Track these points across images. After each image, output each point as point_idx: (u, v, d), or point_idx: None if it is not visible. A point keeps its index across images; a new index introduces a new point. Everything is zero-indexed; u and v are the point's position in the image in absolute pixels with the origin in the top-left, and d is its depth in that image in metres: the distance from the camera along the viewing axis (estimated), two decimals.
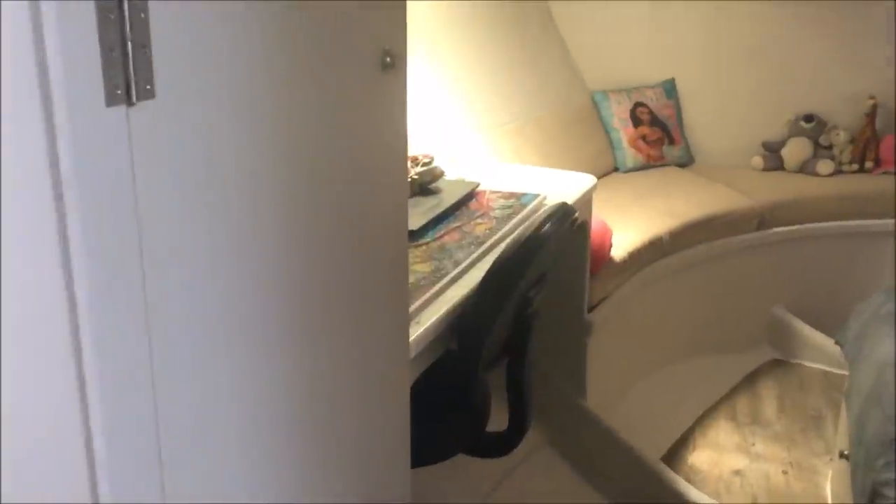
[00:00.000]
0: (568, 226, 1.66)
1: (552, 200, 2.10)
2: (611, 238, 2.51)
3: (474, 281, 1.55)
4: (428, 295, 1.47)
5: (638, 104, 3.63)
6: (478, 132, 3.01)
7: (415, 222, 1.80)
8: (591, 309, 2.48)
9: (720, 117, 3.70)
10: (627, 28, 3.68)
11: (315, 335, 1.05)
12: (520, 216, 1.92)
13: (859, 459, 1.77)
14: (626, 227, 2.80)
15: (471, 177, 2.29)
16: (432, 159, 2.46)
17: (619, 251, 2.62)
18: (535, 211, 2.00)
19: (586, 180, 2.30)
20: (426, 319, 1.41)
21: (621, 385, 2.75)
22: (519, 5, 3.56)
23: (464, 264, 1.62)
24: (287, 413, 1.02)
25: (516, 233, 1.83)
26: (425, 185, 2.04)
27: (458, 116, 3.01)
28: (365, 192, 1.13)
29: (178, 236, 0.81)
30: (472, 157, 2.72)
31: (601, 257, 2.44)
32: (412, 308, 1.41)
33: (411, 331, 1.35)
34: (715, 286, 3.10)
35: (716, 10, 3.58)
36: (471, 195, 2.07)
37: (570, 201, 2.11)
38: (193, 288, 0.84)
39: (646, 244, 2.75)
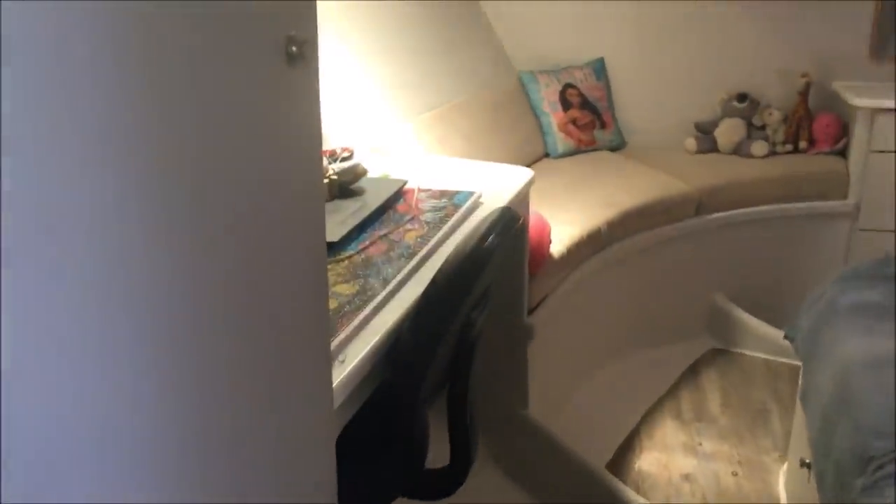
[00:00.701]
0: (513, 234, 1.46)
1: (487, 198, 1.90)
2: (549, 234, 2.33)
3: (408, 301, 1.33)
4: (355, 323, 1.25)
5: (567, 86, 3.45)
6: (400, 120, 2.78)
7: (335, 232, 1.57)
8: (530, 311, 2.30)
9: (651, 98, 3.56)
10: (554, 4, 3.49)
11: (207, 383, 0.82)
12: (454, 219, 1.71)
13: (827, 475, 1.63)
14: (563, 219, 2.62)
15: (396, 171, 2.07)
16: (352, 152, 2.23)
17: (557, 247, 2.44)
18: (470, 211, 1.80)
19: (522, 174, 2.10)
20: (353, 356, 1.19)
21: (564, 388, 2.58)
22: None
23: (394, 282, 1.40)
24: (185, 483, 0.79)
25: (452, 239, 1.63)
26: (346, 186, 1.81)
27: (377, 104, 2.77)
28: (271, 202, 0.90)
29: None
30: (395, 147, 2.50)
31: (540, 256, 2.26)
32: (335, 343, 1.19)
33: (335, 373, 1.13)
34: (654, 276, 2.96)
35: None
36: (398, 195, 1.85)
37: (506, 198, 1.92)
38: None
39: (584, 237, 2.58)
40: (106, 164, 0.69)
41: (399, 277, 1.42)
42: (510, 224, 1.42)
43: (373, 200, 1.77)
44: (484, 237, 1.32)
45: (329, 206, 1.73)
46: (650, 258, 2.91)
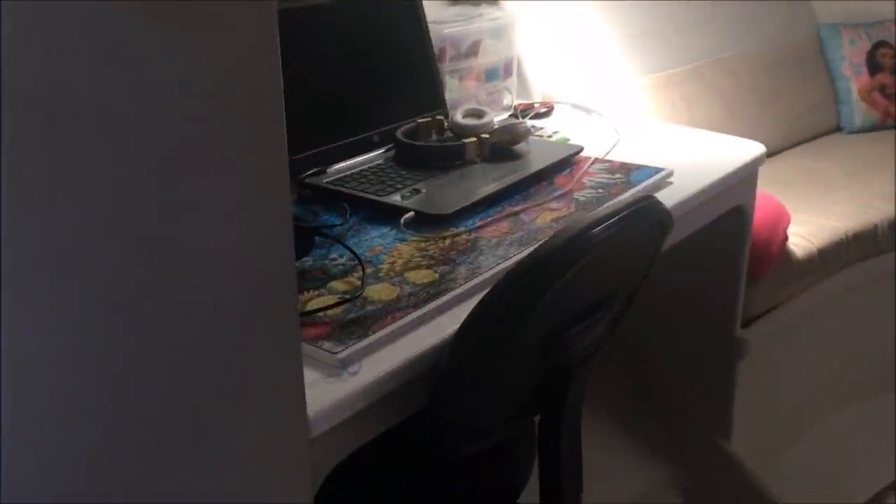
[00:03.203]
0: (652, 232, 1.09)
1: (684, 178, 1.50)
2: (786, 228, 1.83)
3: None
4: (397, 325, 0.99)
5: (880, 44, 2.76)
6: (640, 75, 2.38)
7: (449, 203, 1.30)
8: (746, 323, 1.84)
9: None
10: None
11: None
12: (615, 201, 1.35)
13: None
14: (823, 210, 2.09)
15: (603, 135, 1.72)
16: (552, 108, 1.92)
17: (802, 245, 1.93)
18: (646, 193, 1.42)
19: (749, 149, 1.65)
20: (373, 367, 0.94)
21: (785, 427, 2.05)
22: None
23: (482, 276, 1.11)
24: None
25: (601, 228, 1.27)
26: (501, 147, 1.52)
27: (618, 53, 2.39)
28: None
29: None
30: (614, 105, 2.12)
31: (768, 255, 1.79)
32: (358, 346, 0.94)
33: (330, 388, 0.89)
34: None
35: None
36: (565, 164, 1.52)
37: (709, 180, 1.50)
38: None
39: (848, 237, 2.02)
40: None
41: (493, 271, 1.12)
42: (643, 217, 1.05)
43: (527, 168, 1.46)
44: (589, 227, 0.98)
45: (469, 170, 1.46)
46: None
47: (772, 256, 1.79)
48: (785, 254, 1.87)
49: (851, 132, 2.73)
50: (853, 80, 2.73)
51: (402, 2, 1.64)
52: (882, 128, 2.71)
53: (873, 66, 2.73)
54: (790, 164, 2.46)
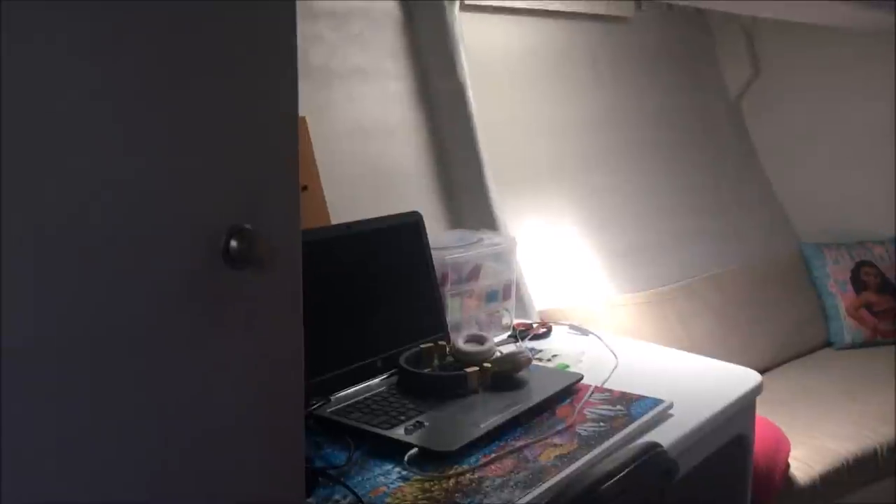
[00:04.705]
0: (658, 480, 1.09)
1: (683, 410, 1.50)
2: (787, 455, 1.83)
3: None
4: None
5: (863, 263, 2.87)
6: (633, 289, 2.45)
7: (455, 439, 1.30)
8: None
9: None
10: (847, 162, 2.97)
11: None
12: (618, 436, 1.35)
13: None
14: (822, 432, 2.08)
15: (601, 359, 1.75)
16: (550, 328, 1.96)
17: (803, 470, 1.91)
18: (647, 427, 1.42)
19: (746, 379, 1.67)
20: None
21: None
22: (709, 127, 3.01)
23: None
24: None
25: (609, 484, 1.26)
26: (504, 377, 1.54)
27: (608, 270, 2.48)
28: None
29: None
30: (606, 324, 2.16)
31: (771, 483, 1.76)
32: None
33: None
34: None
35: None
36: (566, 394, 1.53)
37: (716, 409, 1.51)
38: None
39: (849, 461, 2.01)
40: None
41: None
42: (652, 469, 1.05)
43: (529, 398, 1.47)
44: (598, 482, 0.97)
45: (472, 400, 1.47)
46: None
47: (775, 485, 1.77)
48: (787, 481, 1.84)
49: (842, 348, 2.77)
50: (840, 297, 2.82)
51: (406, 230, 1.71)
52: (872, 344, 2.77)
53: (858, 284, 2.83)
54: (784, 381, 2.48)
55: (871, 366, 2.59)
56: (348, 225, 1.61)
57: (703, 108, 3.02)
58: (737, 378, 1.68)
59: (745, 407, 1.64)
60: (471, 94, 2.20)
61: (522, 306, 2.12)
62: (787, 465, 1.84)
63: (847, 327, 2.77)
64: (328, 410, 1.40)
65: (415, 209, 1.74)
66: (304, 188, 1.80)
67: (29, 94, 0.55)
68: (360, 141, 2.05)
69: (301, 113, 1.84)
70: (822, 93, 2.97)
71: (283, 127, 0.73)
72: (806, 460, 1.95)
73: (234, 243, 0.66)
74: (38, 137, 0.55)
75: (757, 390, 1.66)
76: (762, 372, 1.67)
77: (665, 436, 1.39)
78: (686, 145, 2.88)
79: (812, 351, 2.76)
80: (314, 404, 1.41)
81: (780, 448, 1.81)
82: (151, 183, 0.62)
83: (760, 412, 1.73)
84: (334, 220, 1.83)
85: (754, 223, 2.98)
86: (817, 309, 2.83)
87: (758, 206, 3.03)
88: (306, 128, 1.85)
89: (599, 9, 2.61)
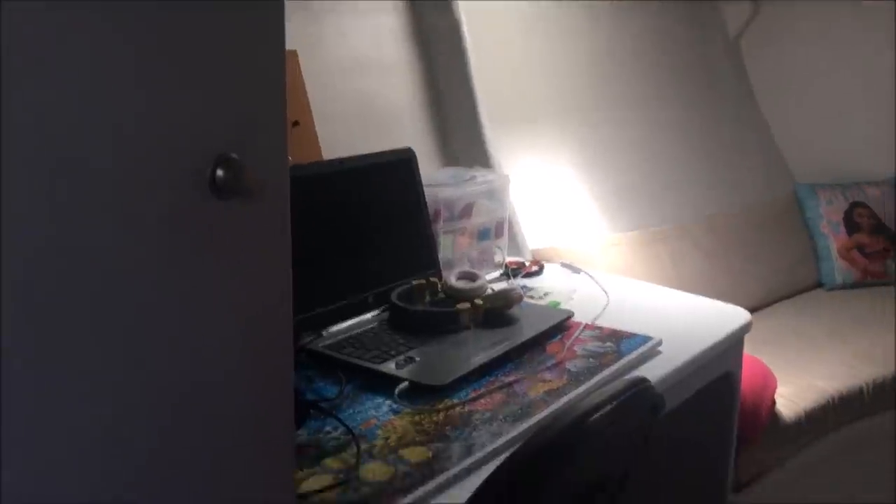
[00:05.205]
0: (644, 415, 1.10)
1: (672, 347, 1.52)
2: (773, 392, 1.85)
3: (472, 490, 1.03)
4: None
5: (856, 204, 2.88)
6: (626, 229, 2.46)
7: (445, 373, 1.31)
8: (740, 487, 1.83)
9: None
10: (845, 104, 2.95)
11: None
12: (607, 372, 1.37)
13: None
14: (810, 371, 2.11)
15: (592, 296, 1.76)
16: (542, 267, 1.96)
17: (789, 407, 1.94)
18: (636, 363, 1.44)
19: (735, 317, 1.68)
20: None
21: None
22: (710, 71, 2.98)
23: (476, 455, 1.11)
24: None
25: (596, 416, 1.28)
26: (495, 313, 1.55)
27: (602, 210, 2.48)
28: None
29: None
30: (601, 263, 2.17)
31: (757, 420, 1.80)
32: None
33: None
34: None
35: None
36: (557, 330, 1.55)
37: (698, 349, 1.52)
38: None
39: (835, 400, 2.04)
40: None
41: (486, 450, 1.12)
42: (638, 403, 1.06)
43: (519, 335, 1.48)
44: (585, 414, 0.99)
45: (463, 336, 1.48)
46: None
47: (761, 421, 1.80)
48: (773, 418, 1.88)
49: (832, 289, 2.79)
50: (832, 238, 2.82)
51: (399, 167, 1.71)
52: (862, 285, 2.79)
53: (851, 225, 2.83)
54: (774, 321, 2.50)
55: (861, 306, 2.61)
56: (341, 161, 1.60)
57: (701, 48, 2.99)
58: (726, 316, 1.69)
59: (733, 344, 1.66)
60: (466, 30, 2.16)
61: (515, 244, 2.12)
62: (774, 402, 1.87)
63: (838, 268, 2.79)
64: (320, 345, 1.41)
65: (408, 146, 1.73)
66: (296, 123, 1.79)
67: (10, 23, 0.53)
68: (352, 77, 2.03)
69: (292, 46, 1.82)
70: (821, 33, 2.93)
71: (270, 57, 0.72)
72: (792, 397, 1.98)
73: (220, 172, 0.66)
74: (19, 65, 0.54)
75: (746, 328, 1.67)
76: (752, 311, 1.68)
77: (653, 372, 1.41)
78: (684, 86, 2.85)
79: (803, 291, 2.78)
80: (307, 339, 1.42)
81: (768, 385, 1.84)
82: (136, 111, 0.62)
83: (749, 351, 1.75)
84: (326, 157, 1.82)
85: (750, 164, 2.97)
86: (809, 250, 2.84)
87: (755, 148, 3.02)
88: (297, 62, 1.83)
89: None
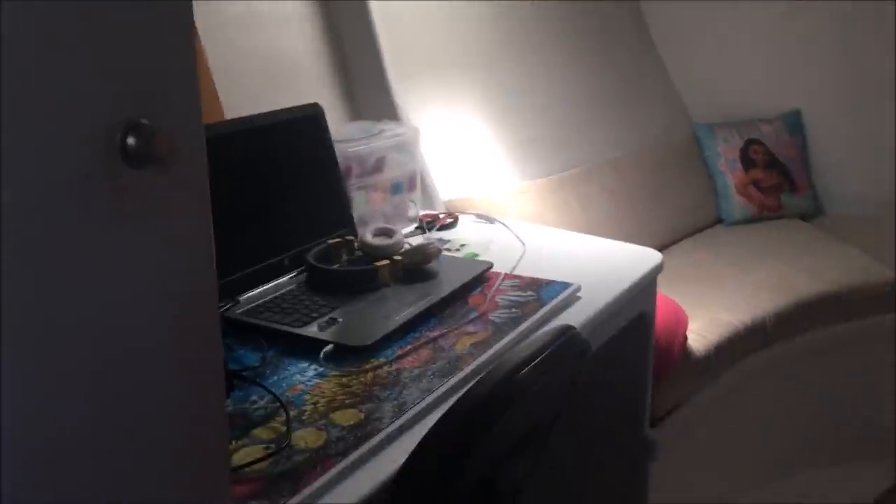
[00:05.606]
0: (573, 362, 1.12)
1: (591, 291, 1.54)
2: (685, 329, 1.91)
3: (408, 449, 1.02)
4: (325, 479, 0.96)
5: (751, 142, 2.97)
6: (535, 177, 2.47)
7: (369, 333, 1.29)
8: (656, 422, 1.89)
9: (859, 159, 2.98)
10: (739, 46, 3.03)
11: None
12: (530, 321, 1.38)
13: None
14: (718, 305, 2.19)
15: (508, 246, 1.76)
16: (456, 218, 1.95)
17: (699, 342, 2.01)
18: (557, 311, 1.46)
19: (648, 259, 1.72)
20: None
21: None
22: (608, 17, 3.00)
23: (408, 414, 1.10)
24: None
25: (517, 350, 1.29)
26: (414, 269, 1.53)
27: (511, 159, 2.48)
28: None
29: None
30: (514, 211, 2.18)
31: (670, 356, 1.85)
32: None
33: None
34: (833, 386, 2.40)
35: (854, 26, 2.88)
36: (477, 282, 1.54)
37: (616, 292, 1.55)
38: None
39: (740, 331, 2.12)
40: None
41: (418, 407, 1.11)
42: (568, 351, 1.07)
43: (440, 289, 1.47)
44: (517, 367, 0.99)
45: (383, 293, 1.46)
46: (829, 362, 2.36)
47: (674, 357, 1.86)
48: (684, 353, 1.94)
49: (731, 224, 2.89)
50: (729, 175, 2.92)
51: (307, 123, 1.65)
52: (758, 219, 2.90)
53: (747, 162, 2.93)
54: (678, 258, 2.58)
55: (759, 240, 2.72)
56: (248, 119, 1.54)
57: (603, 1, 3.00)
58: (639, 258, 1.72)
59: (647, 285, 1.69)
60: None
61: (428, 197, 2.10)
62: (685, 339, 1.93)
63: (737, 204, 2.88)
64: (237, 312, 1.37)
65: (314, 101, 1.68)
66: None
67: None
68: (250, 31, 1.94)
69: None
70: None
71: (176, 13, 0.67)
72: (702, 332, 2.04)
73: (131, 140, 0.61)
74: None
75: (658, 269, 1.71)
76: (658, 251, 1.72)
77: (575, 318, 1.43)
78: (586, 37, 2.86)
79: (704, 229, 2.87)
80: (222, 306, 1.37)
81: (680, 321, 1.90)
82: (34, 73, 0.56)
83: (658, 290, 1.80)
84: (228, 116, 1.74)
85: (650, 107, 3.03)
86: (708, 188, 2.92)
87: (654, 91, 3.07)
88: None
89: None
